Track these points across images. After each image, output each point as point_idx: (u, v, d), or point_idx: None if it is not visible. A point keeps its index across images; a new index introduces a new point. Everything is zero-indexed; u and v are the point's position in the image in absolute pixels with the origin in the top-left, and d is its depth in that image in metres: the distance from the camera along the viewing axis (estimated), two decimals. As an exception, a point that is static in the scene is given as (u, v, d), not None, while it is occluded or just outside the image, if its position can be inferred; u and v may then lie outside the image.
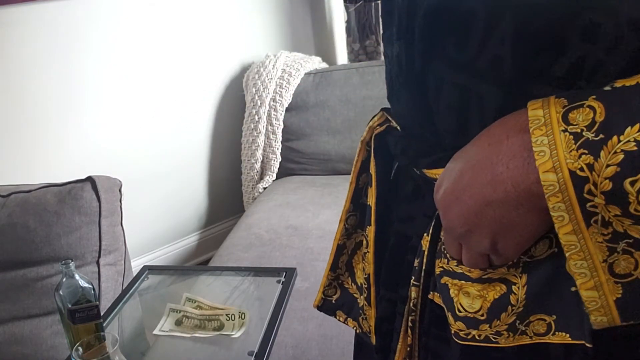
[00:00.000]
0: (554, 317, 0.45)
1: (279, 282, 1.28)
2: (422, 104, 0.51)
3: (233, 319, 1.06)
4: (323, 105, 2.31)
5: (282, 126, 2.33)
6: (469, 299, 0.48)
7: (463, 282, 0.49)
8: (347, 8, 2.54)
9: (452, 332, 0.50)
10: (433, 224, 0.53)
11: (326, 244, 1.75)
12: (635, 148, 0.34)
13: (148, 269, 1.42)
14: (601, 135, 0.35)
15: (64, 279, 1.05)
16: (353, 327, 0.72)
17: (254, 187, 2.38)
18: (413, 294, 0.55)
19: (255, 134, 2.31)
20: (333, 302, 0.74)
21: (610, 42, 0.38)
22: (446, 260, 0.50)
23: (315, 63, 2.43)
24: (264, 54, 2.42)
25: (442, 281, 0.51)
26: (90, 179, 1.51)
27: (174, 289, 1.37)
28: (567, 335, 0.44)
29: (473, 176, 0.42)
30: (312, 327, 1.39)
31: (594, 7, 0.38)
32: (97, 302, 1.07)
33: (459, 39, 0.45)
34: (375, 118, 0.64)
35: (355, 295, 0.71)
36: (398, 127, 0.59)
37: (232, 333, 1.06)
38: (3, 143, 1.84)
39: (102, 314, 1.13)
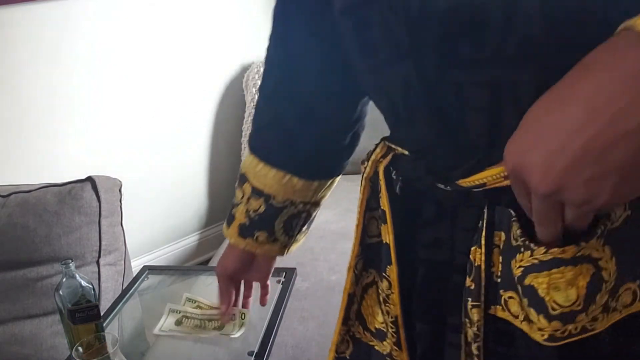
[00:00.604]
0: (638, 282, 0.44)
1: (279, 282, 1.28)
2: (443, 116, 0.48)
3: (233, 319, 1.06)
4: (323, 105, 2.30)
5: (282, 126, 2.33)
6: (562, 292, 0.44)
7: (553, 272, 0.44)
8: (347, 8, 2.54)
9: (546, 336, 0.46)
10: (484, 232, 0.49)
11: (326, 244, 1.75)
12: None
13: (148, 269, 1.42)
14: None
15: (64, 279, 1.05)
16: None
17: (254, 187, 2.37)
18: (475, 317, 0.50)
19: (255, 134, 2.31)
20: (347, 357, 0.69)
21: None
22: (529, 252, 0.45)
23: (315, 63, 2.43)
24: (264, 54, 2.42)
25: (527, 282, 0.46)
26: (90, 179, 1.51)
27: (174, 289, 1.36)
28: None
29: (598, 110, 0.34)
30: (312, 327, 1.39)
31: None
32: (97, 302, 1.07)
33: (475, 36, 0.43)
34: (378, 150, 0.60)
35: (371, 343, 0.66)
36: (405, 152, 0.56)
37: (232, 333, 1.06)
38: (3, 143, 1.84)
39: (102, 314, 1.13)
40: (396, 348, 0.60)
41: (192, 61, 2.27)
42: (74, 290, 1.05)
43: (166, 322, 1.13)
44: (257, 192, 0.74)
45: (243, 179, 0.77)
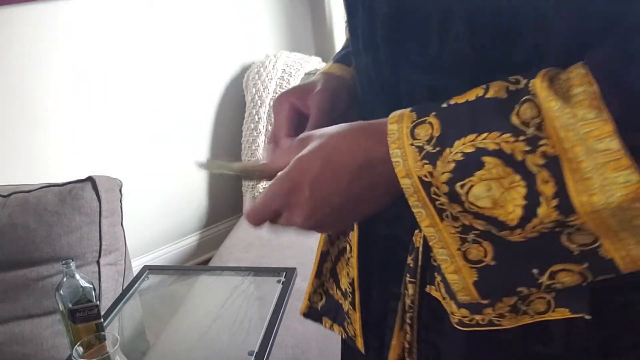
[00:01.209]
0: (553, 294, 0.47)
1: (279, 282, 1.28)
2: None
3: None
4: (323, 105, 2.30)
5: (282, 126, 2.33)
6: None
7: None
8: (347, 8, 2.54)
9: (456, 320, 0.51)
10: None
11: (326, 244, 1.75)
12: (462, 158, 0.41)
13: (148, 269, 1.42)
14: (437, 148, 0.42)
15: (65, 279, 1.05)
16: (339, 333, 0.73)
17: (254, 187, 2.38)
18: (410, 291, 0.56)
19: (255, 134, 2.32)
20: (318, 309, 0.75)
21: (548, 29, 0.42)
22: None
23: (315, 63, 2.43)
24: (264, 54, 2.42)
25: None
26: (90, 179, 1.51)
27: (174, 289, 1.37)
28: (567, 310, 0.47)
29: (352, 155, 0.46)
30: (312, 327, 1.39)
31: None
32: (98, 302, 1.07)
33: (420, 41, 0.48)
34: None
35: (340, 301, 0.72)
36: None
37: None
38: (3, 143, 1.85)
39: (102, 313, 1.13)
40: (351, 307, 0.66)
41: (193, 61, 2.27)
42: (75, 290, 1.05)
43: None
44: None
45: None
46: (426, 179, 0.42)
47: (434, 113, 0.43)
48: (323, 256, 0.72)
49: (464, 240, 0.44)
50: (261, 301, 1.27)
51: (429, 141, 0.43)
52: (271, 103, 2.30)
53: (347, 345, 0.75)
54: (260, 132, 2.31)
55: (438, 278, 0.53)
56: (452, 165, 0.41)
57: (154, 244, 2.36)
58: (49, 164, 1.95)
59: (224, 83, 2.41)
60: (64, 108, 1.96)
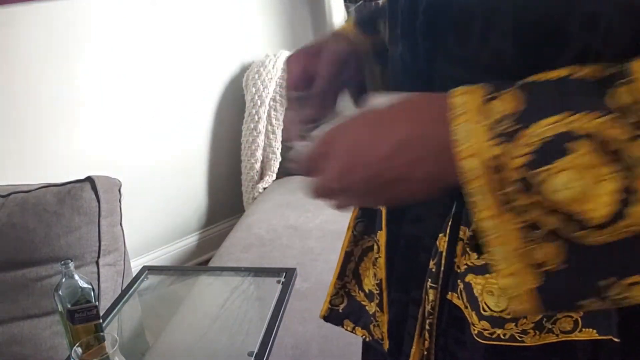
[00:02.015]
0: (581, 313, 0.45)
1: (279, 282, 1.28)
2: None
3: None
4: (323, 105, 2.30)
5: (282, 126, 2.33)
6: (494, 297, 0.47)
7: (487, 277, 0.47)
8: (347, 8, 2.54)
9: (476, 332, 0.49)
10: (450, 223, 0.52)
11: (326, 244, 1.75)
12: (545, 141, 0.35)
13: (148, 269, 1.42)
14: (516, 126, 0.36)
15: (64, 280, 1.05)
16: (362, 336, 0.70)
17: (253, 187, 2.38)
18: (431, 297, 0.54)
19: (255, 134, 2.31)
20: (340, 311, 0.72)
21: (606, 30, 0.38)
22: (468, 255, 0.49)
23: (315, 63, 2.43)
24: (264, 54, 2.42)
25: (467, 279, 0.49)
26: (89, 179, 1.50)
27: (173, 289, 1.37)
28: (594, 331, 0.44)
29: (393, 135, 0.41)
30: (312, 328, 1.39)
31: None
32: (97, 303, 1.07)
33: (459, 35, 0.45)
34: None
35: (363, 302, 0.70)
36: None
37: None
38: (3, 143, 1.84)
39: (101, 314, 1.13)
40: (378, 310, 0.64)
41: (192, 61, 2.27)
42: (74, 290, 1.05)
43: None
44: None
45: None
46: (495, 162, 0.36)
47: (517, 85, 0.38)
48: (347, 256, 0.70)
49: (529, 238, 0.37)
50: (261, 301, 1.27)
51: (504, 118, 0.37)
52: (271, 103, 2.30)
53: (367, 347, 0.74)
54: (260, 132, 2.30)
55: (461, 285, 0.51)
56: (530, 148, 0.35)
57: (154, 244, 2.36)
58: (49, 164, 1.95)
59: (223, 82, 2.40)
60: (64, 108, 1.95)
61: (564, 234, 0.36)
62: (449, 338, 0.54)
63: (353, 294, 0.71)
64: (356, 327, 0.71)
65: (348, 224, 0.68)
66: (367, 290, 0.69)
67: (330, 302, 0.73)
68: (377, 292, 0.63)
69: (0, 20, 1.76)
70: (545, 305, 0.38)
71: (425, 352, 0.56)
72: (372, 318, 0.67)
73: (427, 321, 0.55)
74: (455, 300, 0.52)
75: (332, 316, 0.73)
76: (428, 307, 0.54)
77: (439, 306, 0.54)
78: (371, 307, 0.68)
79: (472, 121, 0.38)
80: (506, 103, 0.37)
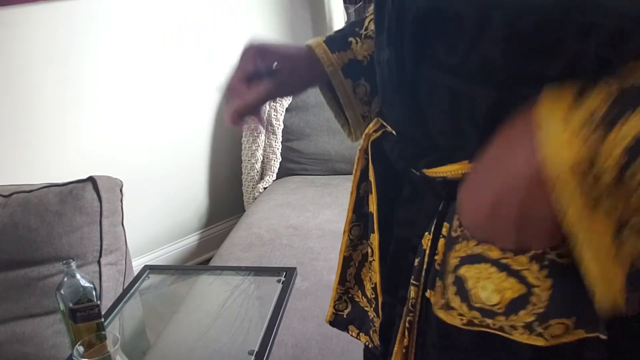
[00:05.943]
0: (574, 318, 0.45)
1: (279, 281, 1.28)
2: (415, 108, 0.51)
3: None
4: (323, 105, 2.29)
5: (282, 126, 2.34)
6: (487, 292, 0.47)
7: (482, 268, 0.47)
8: (347, 9, 2.55)
9: (465, 321, 0.49)
10: (435, 222, 0.52)
11: (326, 243, 1.76)
12: (634, 140, 0.35)
13: (149, 269, 1.43)
14: (605, 128, 0.36)
15: (65, 279, 1.06)
16: (365, 342, 0.71)
17: (254, 187, 2.38)
18: (412, 294, 0.54)
19: (255, 133, 2.32)
20: (345, 316, 0.73)
21: (604, 39, 0.38)
22: (466, 242, 0.49)
23: (316, 63, 2.43)
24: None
25: (460, 272, 0.49)
26: (91, 179, 1.51)
27: (174, 289, 1.37)
28: (582, 330, 0.45)
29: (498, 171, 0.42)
30: (312, 327, 1.39)
31: (586, 5, 0.38)
32: (98, 302, 1.08)
33: (448, 42, 0.46)
34: (371, 125, 0.64)
35: (366, 308, 0.70)
36: (394, 132, 0.59)
37: None
38: (4, 143, 1.85)
39: (103, 313, 1.13)
40: (375, 314, 0.64)
41: (193, 61, 2.27)
42: (75, 289, 1.06)
43: None
44: None
45: None
46: (586, 163, 0.36)
47: (601, 85, 0.37)
48: (346, 261, 0.70)
49: (619, 238, 0.37)
50: (261, 301, 1.27)
51: (596, 119, 0.36)
52: (271, 103, 2.30)
53: (368, 355, 0.73)
54: (260, 132, 2.31)
55: (438, 283, 0.51)
56: (622, 146, 0.35)
57: (155, 244, 2.37)
58: (50, 164, 1.95)
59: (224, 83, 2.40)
60: (65, 108, 1.96)
61: None
62: (428, 335, 0.54)
63: (357, 299, 0.71)
64: (360, 333, 0.71)
65: (344, 228, 0.69)
66: (369, 296, 0.69)
67: (334, 307, 0.73)
68: (373, 296, 0.64)
69: (2, 20, 1.77)
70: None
71: (404, 350, 0.56)
72: (371, 323, 0.68)
73: (407, 318, 0.55)
74: (432, 298, 0.52)
75: (337, 321, 0.74)
76: (408, 305, 0.55)
77: (420, 304, 0.54)
78: (371, 313, 0.68)
79: (557, 130, 0.37)
80: (593, 103, 0.37)
